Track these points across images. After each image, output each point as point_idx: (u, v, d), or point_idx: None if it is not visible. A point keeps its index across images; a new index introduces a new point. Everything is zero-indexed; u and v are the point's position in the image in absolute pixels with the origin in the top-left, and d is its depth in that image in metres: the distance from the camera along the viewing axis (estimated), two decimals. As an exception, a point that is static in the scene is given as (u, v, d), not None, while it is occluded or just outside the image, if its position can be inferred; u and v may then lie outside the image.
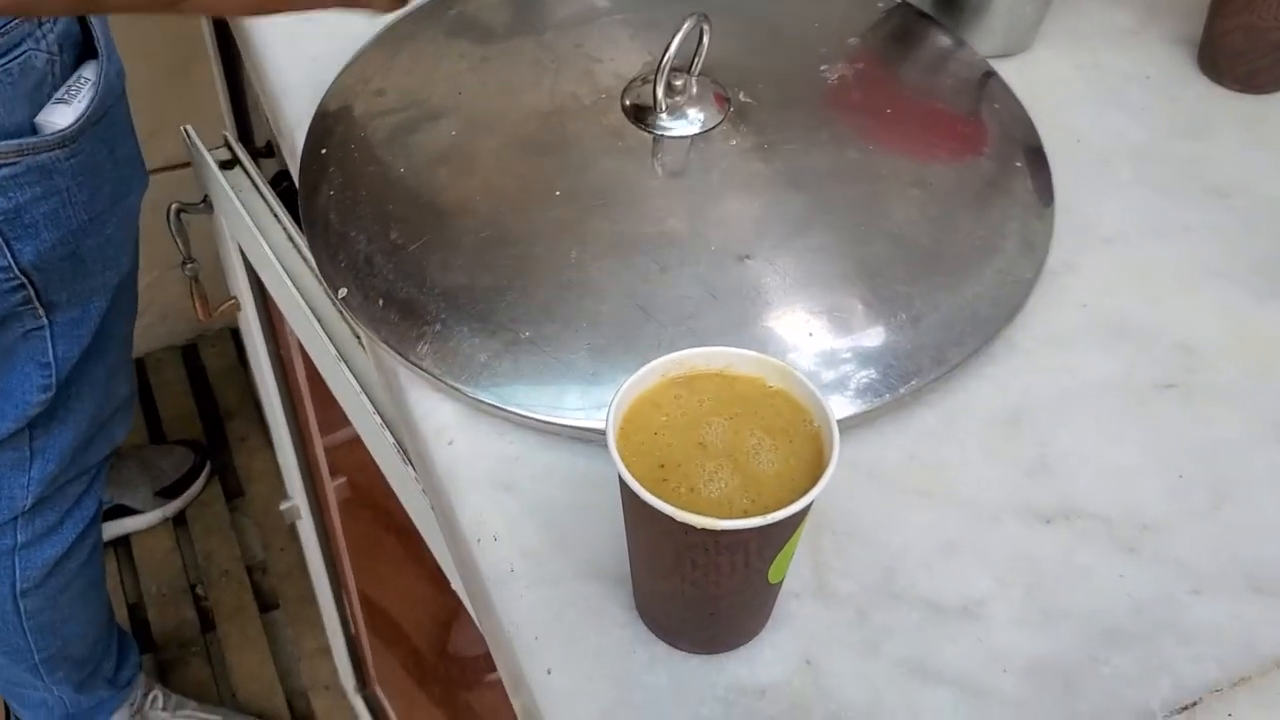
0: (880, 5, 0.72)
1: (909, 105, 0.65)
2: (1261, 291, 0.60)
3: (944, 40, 0.70)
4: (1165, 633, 0.47)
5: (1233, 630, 0.47)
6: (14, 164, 0.82)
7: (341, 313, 0.70)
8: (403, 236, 0.57)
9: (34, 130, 0.83)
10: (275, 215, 0.78)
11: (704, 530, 0.37)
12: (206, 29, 1.16)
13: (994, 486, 0.51)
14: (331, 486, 1.15)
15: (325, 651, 1.55)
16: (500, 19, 0.69)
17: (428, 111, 0.63)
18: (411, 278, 0.55)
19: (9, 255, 0.86)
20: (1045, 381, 0.55)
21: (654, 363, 0.42)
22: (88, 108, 0.85)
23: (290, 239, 0.76)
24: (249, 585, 1.67)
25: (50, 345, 0.96)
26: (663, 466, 0.40)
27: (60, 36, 0.82)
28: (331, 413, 0.99)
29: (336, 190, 0.60)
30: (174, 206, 0.86)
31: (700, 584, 0.41)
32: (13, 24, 0.77)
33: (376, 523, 1.11)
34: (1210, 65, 0.73)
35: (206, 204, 0.89)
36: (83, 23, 0.86)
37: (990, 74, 0.69)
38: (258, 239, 0.75)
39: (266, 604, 1.66)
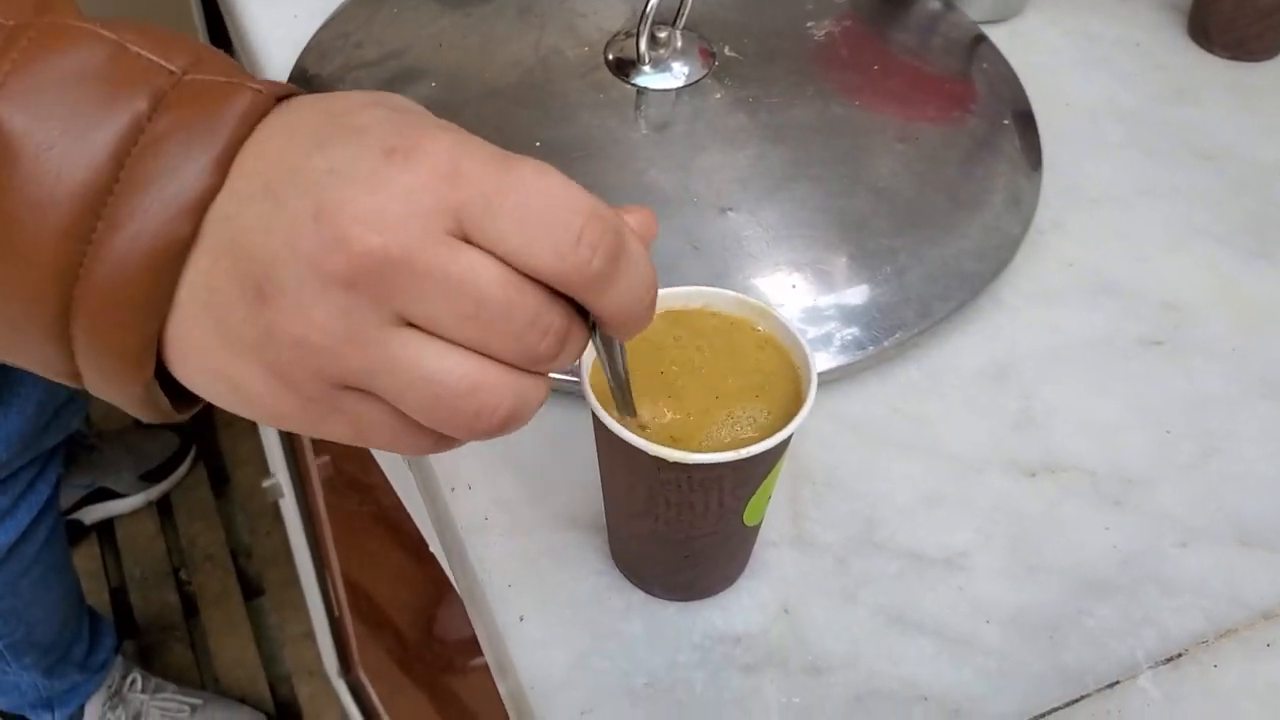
0: (868, -34, 0.71)
1: (896, 64, 0.64)
2: (1248, 250, 0.59)
3: (933, 3, 0.69)
4: (1150, 585, 0.46)
5: (1219, 582, 0.46)
6: None
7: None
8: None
9: None
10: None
11: (676, 464, 0.36)
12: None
13: (978, 440, 0.51)
14: (315, 464, 1.14)
15: (309, 637, 1.54)
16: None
17: (408, 65, 0.62)
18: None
19: None
20: (1031, 337, 0.55)
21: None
22: None
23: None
24: (233, 570, 1.66)
25: None
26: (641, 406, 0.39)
27: None
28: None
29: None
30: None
31: (674, 523, 0.40)
32: None
33: (361, 508, 1.10)
34: (1200, 33, 0.73)
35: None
36: None
37: (980, 37, 0.68)
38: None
39: (251, 589, 1.65)
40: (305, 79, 0.63)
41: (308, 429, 0.31)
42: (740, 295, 0.41)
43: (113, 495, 1.67)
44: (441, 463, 0.49)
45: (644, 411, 0.39)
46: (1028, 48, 0.70)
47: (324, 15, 0.68)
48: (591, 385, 0.38)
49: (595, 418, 0.38)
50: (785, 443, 0.38)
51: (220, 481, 1.76)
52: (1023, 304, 0.56)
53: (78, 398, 1.15)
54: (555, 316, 0.29)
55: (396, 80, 0.61)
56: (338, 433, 0.31)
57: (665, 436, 0.38)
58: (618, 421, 0.37)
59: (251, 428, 1.75)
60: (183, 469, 1.72)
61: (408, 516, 0.71)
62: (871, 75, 0.62)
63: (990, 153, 0.60)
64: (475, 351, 0.29)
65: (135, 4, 1.35)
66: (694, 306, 0.42)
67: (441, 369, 0.29)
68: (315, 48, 0.64)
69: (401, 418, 0.30)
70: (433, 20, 0.65)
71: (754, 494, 0.40)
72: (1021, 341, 0.54)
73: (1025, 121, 0.63)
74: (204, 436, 1.79)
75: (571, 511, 0.47)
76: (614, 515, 0.43)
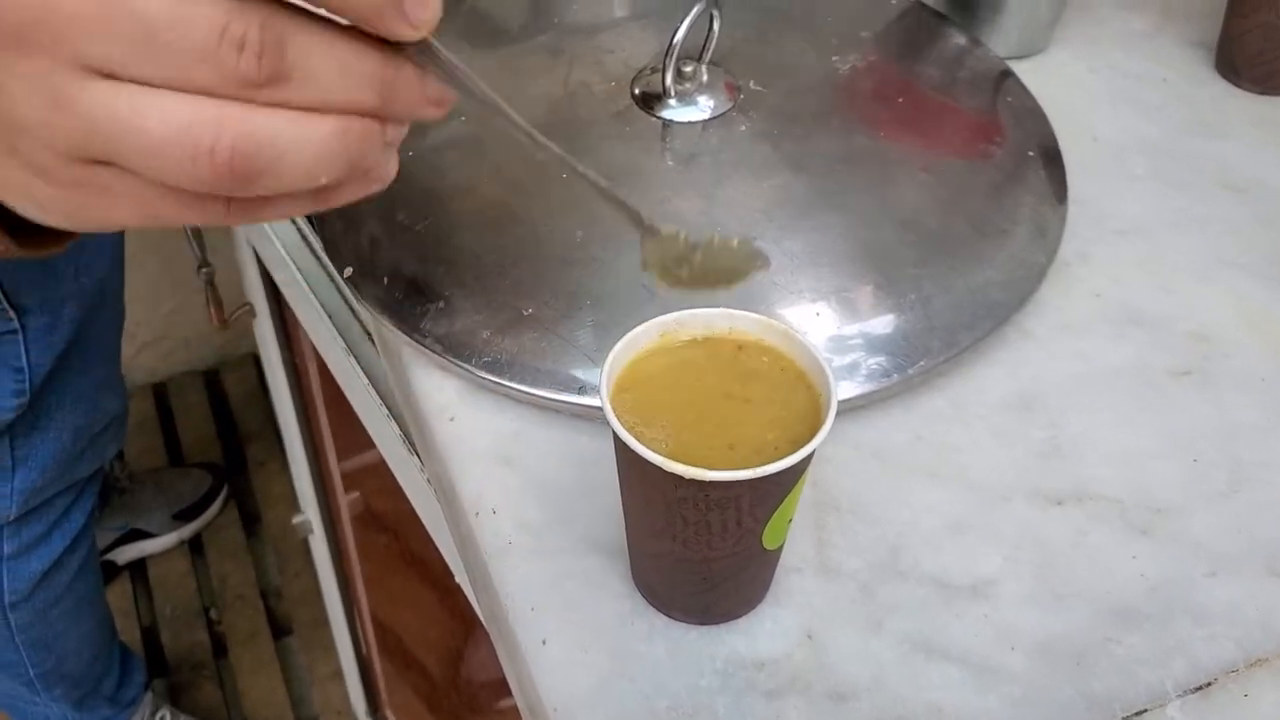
0: (894, 2, 0.72)
1: (922, 96, 0.65)
2: (1276, 281, 0.59)
3: (959, 39, 0.70)
4: (1180, 614, 0.45)
5: (1250, 611, 0.45)
6: None
7: (348, 302, 0.70)
8: (409, 217, 0.57)
9: None
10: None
11: (693, 481, 0.36)
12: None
13: (1003, 468, 0.50)
14: (345, 501, 1.15)
15: (337, 676, 1.54)
16: (514, 13, 0.69)
17: (438, 100, 0.63)
18: (416, 257, 0.55)
19: None
20: (1057, 367, 0.54)
21: (652, 321, 0.42)
22: None
23: (302, 236, 0.76)
24: (263, 610, 1.67)
25: (23, 350, 0.96)
26: (661, 427, 0.39)
27: None
28: (347, 436, 0.99)
29: (345, 175, 0.60)
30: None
31: (692, 543, 0.40)
32: None
33: (390, 548, 1.11)
34: (1228, 66, 0.73)
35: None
36: None
37: (1006, 73, 0.69)
38: (269, 235, 0.75)
39: (280, 629, 1.65)
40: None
41: (87, 219, 0.30)
42: (763, 318, 0.42)
43: (145, 535, 1.68)
44: (467, 488, 0.49)
45: (678, 434, 0.39)
46: (1054, 83, 0.71)
47: (357, 53, 0.69)
48: (611, 403, 0.39)
49: (615, 436, 0.38)
50: (804, 463, 0.38)
51: (251, 521, 1.77)
52: (1049, 334, 0.56)
53: (115, 426, 1.16)
54: (250, 25, 0.25)
55: (427, 114, 0.62)
56: (109, 213, 0.29)
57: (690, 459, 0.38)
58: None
59: (284, 468, 1.76)
60: (214, 508, 1.73)
61: (436, 555, 0.71)
62: (896, 108, 0.63)
63: (1016, 185, 0.60)
64: (184, 91, 0.26)
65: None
66: (719, 332, 0.42)
67: (138, 113, 0.26)
68: (348, 84, 0.66)
69: (151, 183, 0.28)
70: (462, 54, 0.66)
71: (772, 515, 0.39)
72: (1047, 371, 0.54)
73: (1051, 155, 0.63)
74: (237, 476, 1.80)
75: (594, 536, 0.47)
76: (634, 536, 0.43)
